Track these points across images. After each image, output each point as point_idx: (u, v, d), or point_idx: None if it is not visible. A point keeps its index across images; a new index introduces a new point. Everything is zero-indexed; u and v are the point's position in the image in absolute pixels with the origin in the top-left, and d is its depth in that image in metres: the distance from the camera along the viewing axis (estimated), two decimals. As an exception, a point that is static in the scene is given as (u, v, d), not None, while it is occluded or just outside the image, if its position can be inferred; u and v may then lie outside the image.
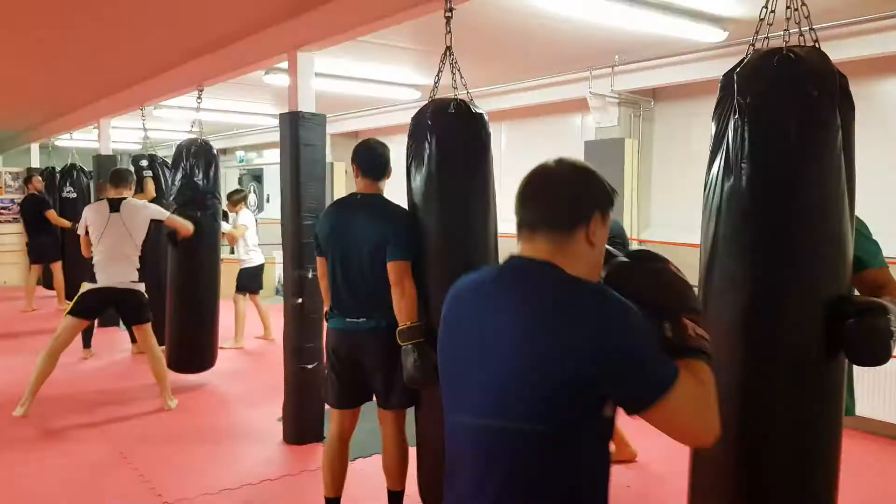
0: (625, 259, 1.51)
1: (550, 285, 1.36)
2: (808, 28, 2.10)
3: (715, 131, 2.15)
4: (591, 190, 1.43)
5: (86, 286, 5.02)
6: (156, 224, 5.24)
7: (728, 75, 2.12)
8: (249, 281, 7.16)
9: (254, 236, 7.20)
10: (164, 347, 5.46)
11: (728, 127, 2.07)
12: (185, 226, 5.24)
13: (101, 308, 5.12)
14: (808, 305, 2.01)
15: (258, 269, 7.22)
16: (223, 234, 6.97)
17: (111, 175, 5.31)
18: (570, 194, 1.42)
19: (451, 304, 1.51)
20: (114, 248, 4.98)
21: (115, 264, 4.97)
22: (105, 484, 3.90)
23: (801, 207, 1.99)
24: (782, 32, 2.09)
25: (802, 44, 2.07)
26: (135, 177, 5.31)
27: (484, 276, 1.49)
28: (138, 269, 5.05)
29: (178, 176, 5.60)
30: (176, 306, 5.67)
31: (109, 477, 3.99)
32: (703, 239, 2.19)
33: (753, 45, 2.14)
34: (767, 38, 2.15)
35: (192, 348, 5.67)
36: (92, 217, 5.08)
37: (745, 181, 2.02)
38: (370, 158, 3.21)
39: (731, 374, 2.00)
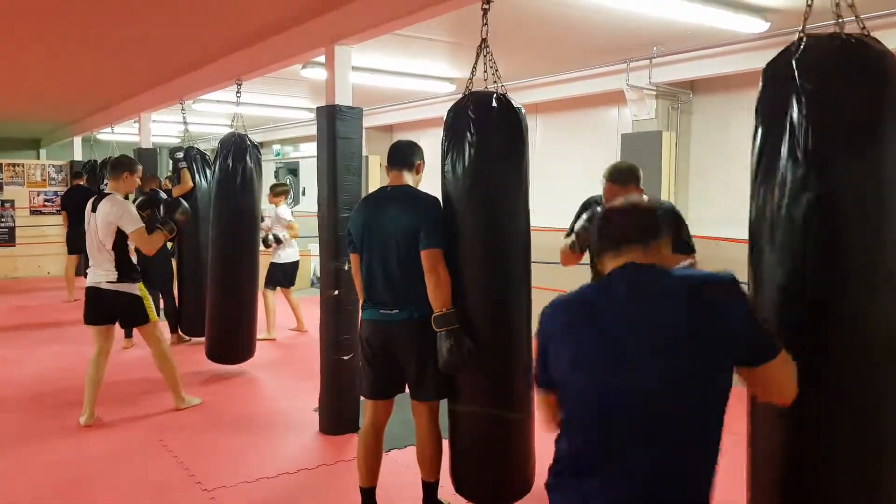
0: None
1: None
2: (852, 17, 2.07)
3: (767, 118, 2.10)
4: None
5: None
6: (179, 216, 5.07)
7: (781, 61, 2.07)
8: (284, 277, 7.23)
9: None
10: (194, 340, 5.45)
11: (789, 113, 2.02)
12: (148, 244, 4.70)
13: (103, 308, 4.65)
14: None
15: (293, 266, 7.28)
16: (284, 236, 7.04)
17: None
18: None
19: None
20: (90, 245, 4.67)
21: (92, 264, 4.68)
22: (145, 471, 3.98)
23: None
24: (832, 23, 2.04)
25: (840, 32, 2.04)
26: (138, 166, 4.91)
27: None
28: (121, 270, 4.59)
29: (219, 170, 5.67)
30: (216, 299, 5.76)
31: (149, 464, 4.08)
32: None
33: (804, 31, 2.09)
34: (803, 29, 2.10)
35: (233, 340, 5.76)
36: (86, 211, 4.76)
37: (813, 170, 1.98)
38: (395, 150, 3.31)
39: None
